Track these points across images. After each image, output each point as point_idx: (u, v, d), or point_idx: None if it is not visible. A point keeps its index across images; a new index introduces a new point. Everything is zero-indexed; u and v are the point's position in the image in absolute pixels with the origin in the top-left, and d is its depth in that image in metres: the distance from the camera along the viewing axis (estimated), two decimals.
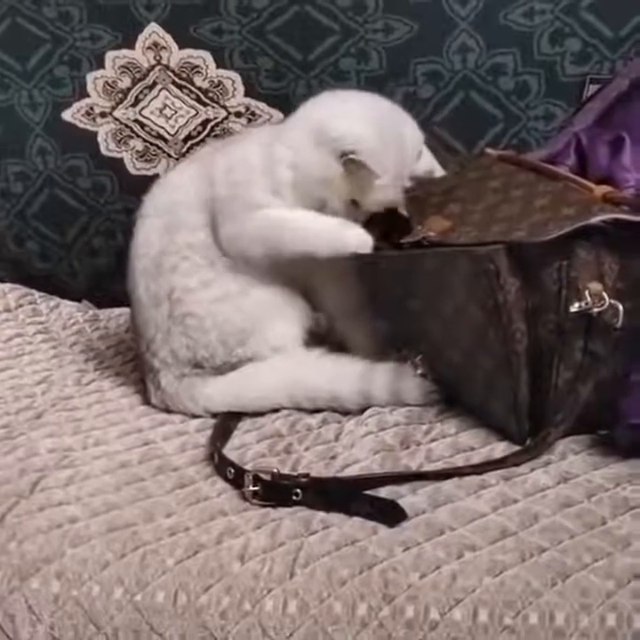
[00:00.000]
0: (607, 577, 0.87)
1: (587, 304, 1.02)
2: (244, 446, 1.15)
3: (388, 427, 1.15)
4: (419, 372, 1.20)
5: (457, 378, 1.16)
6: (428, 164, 1.23)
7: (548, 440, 1.06)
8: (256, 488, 1.03)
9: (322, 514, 0.99)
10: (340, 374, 1.22)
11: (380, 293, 1.24)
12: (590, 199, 1.07)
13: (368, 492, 1.01)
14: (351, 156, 1.15)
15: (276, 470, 1.04)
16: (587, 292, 1.02)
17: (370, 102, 1.23)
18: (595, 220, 1.01)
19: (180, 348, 1.25)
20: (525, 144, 1.47)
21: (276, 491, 1.02)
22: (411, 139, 1.21)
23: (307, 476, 1.03)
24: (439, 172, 1.23)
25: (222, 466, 1.09)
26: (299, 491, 1.01)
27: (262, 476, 1.03)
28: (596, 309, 1.02)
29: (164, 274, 1.24)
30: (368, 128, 1.17)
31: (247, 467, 1.07)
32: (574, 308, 1.02)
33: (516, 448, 1.08)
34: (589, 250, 1.02)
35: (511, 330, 1.05)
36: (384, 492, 1.02)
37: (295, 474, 1.05)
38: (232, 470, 1.07)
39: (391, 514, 0.97)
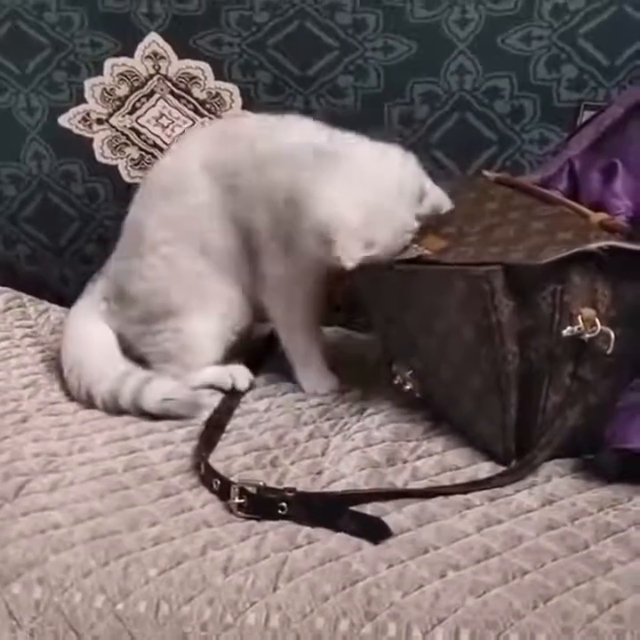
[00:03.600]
0: (589, 601, 0.87)
1: (579, 329, 1.03)
2: (231, 458, 1.15)
3: (375, 443, 1.15)
4: (407, 387, 1.20)
5: (446, 396, 1.17)
6: (435, 201, 1.18)
7: (533, 462, 1.07)
8: (242, 500, 1.03)
9: (307, 528, 1.00)
10: (108, 368, 1.29)
11: (375, 307, 1.24)
12: (587, 225, 1.08)
13: (353, 509, 1.01)
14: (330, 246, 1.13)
15: (262, 483, 1.04)
16: (579, 317, 1.03)
17: (361, 170, 1.17)
18: (592, 246, 1.02)
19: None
20: (519, 167, 1.48)
21: (261, 504, 1.02)
22: (406, 193, 1.16)
23: (293, 490, 1.03)
24: (447, 206, 1.19)
25: (208, 477, 1.09)
26: (284, 504, 1.01)
27: (248, 488, 1.03)
28: (587, 335, 1.02)
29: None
30: (352, 212, 1.13)
31: (233, 478, 1.07)
32: (566, 332, 1.03)
33: (502, 469, 1.09)
34: (584, 275, 1.03)
35: (503, 351, 1.06)
36: (369, 508, 1.02)
37: (281, 487, 1.05)
38: (218, 482, 1.07)
39: (376, 531, 0.97)
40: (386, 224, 1.15)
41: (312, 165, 1.18)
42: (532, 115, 1.48)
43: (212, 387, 1.33)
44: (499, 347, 1.06)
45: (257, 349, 1.41)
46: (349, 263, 1.13)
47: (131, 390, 1.26)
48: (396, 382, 1.23)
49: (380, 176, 1.17)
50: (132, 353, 1.35)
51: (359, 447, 1.14)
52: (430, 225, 1.19)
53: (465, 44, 1.47)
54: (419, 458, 1.13)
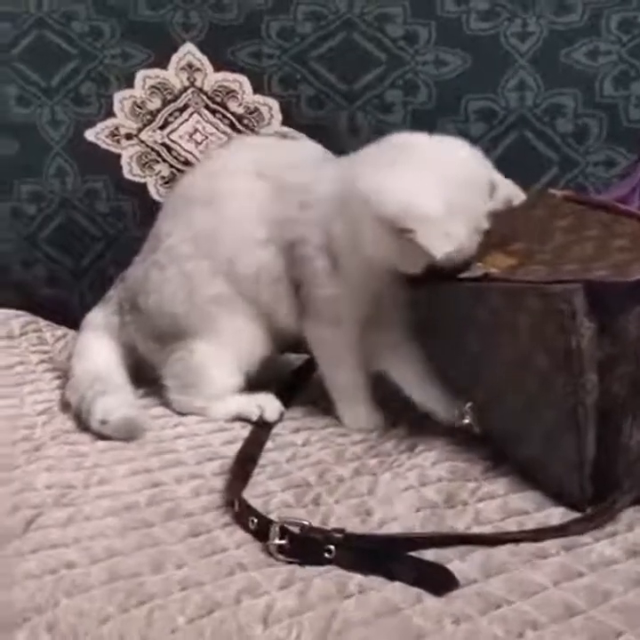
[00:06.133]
0: None
1: None
2: (268, 494, 1.03)
3: (431, 482, 1.04)
4: (465, 421, 1.09)
5: (511, 431, 1.05)
6: (505, 195, 1.10)
7: (613, 508, 0.95)
8: (283, 542, 0.91)
9: (358, 576, 0.87)
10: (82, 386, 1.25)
11: (433, 332, 1.13)
12: None
13: (412, 554, 0.89)
14: (410, 236, 1.05)
15: (306, 523, 0.92)
16: None
17: (438, 164, 1.10)
18: None
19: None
20: (582, 190, 1.38)
21: (305, 546, 0.90)
22: (478, 184, 1.09)
23: (342, 531, 0.91)
24: (520, 197, 1.11)
25: (243, 515, 0.97)
26: (332, 547, 0.89)
27: (291, 528, 0.91)
28: None
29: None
30: (431, 200, 1.06)
31: (272, 517, 0.96)
32: None
33: (575, 514, 0.97)
34: None
35: (582, 380, 0.94)
36: (428, 555, 0.90)
37: (328, 528, 0.93)
38: (255, 520, 0.95)
39: (439, 580, 0.85)
40: (461, 217, 1.06)
41: (373, 162, 1.10)
42: (598, 135, 1.40)
43: (238, 418, 1.22)
44: (577, 375, 0.94)
45: (289, 379, 1.31)
46: (438, 252, 1.03)
47: (85, 408, 1.21)
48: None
49: (449, 166, 1.09)
50: (145, 372, 1.28)
51: (413, 486, 1.03)
52: (495, 242, 1.08)
53: (525, 58, 1.38)
54: (480, 500, 1.01)
